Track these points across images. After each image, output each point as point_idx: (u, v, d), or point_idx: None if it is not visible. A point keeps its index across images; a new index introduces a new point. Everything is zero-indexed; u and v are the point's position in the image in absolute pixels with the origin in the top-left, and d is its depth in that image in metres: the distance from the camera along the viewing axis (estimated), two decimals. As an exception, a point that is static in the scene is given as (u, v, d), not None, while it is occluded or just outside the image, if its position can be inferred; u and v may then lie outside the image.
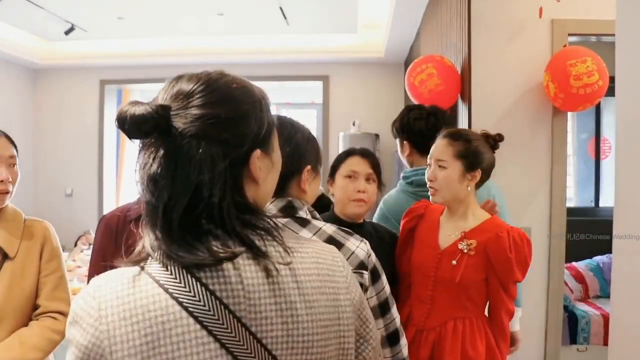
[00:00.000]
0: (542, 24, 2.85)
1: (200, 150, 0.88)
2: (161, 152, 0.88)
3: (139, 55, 6.64)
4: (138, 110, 0.86)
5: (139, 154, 0.92)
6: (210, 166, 0.88)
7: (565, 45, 2.83)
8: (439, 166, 2.00)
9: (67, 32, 5.70)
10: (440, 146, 2.02)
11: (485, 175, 2.02)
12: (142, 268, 0.90)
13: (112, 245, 2.17)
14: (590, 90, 2.60)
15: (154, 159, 0.89)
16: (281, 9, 5.20)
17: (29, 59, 6.66)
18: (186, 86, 0.94)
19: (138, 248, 0.93)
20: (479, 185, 2.03)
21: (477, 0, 2.89)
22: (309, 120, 7.65)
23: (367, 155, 2.11)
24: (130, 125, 0.86)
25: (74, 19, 5.57)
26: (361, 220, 2.11)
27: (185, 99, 0.92)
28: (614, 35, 2.71)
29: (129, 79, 7.03)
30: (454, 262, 1.92)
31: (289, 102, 7.64)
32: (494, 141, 2.06)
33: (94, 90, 7.02)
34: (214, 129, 0.90)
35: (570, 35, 2.88)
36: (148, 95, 6.93)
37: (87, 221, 6.60)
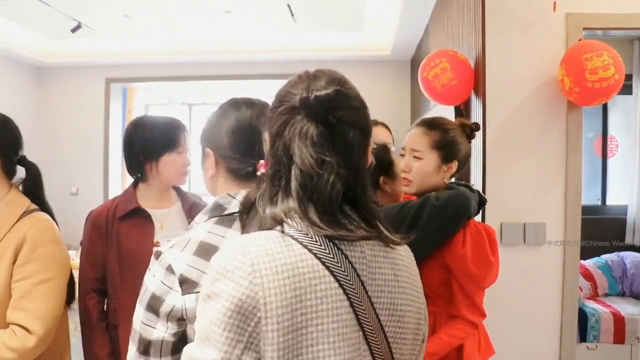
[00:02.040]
0: (557, 17, 2.84)
1: (351, 135, 1.03)
2: (323, 130, 1.01)
3: (145, 53, 6.62)
4: (323, 92, 1.01)
5: (284, 129, 1.03)
6: (358, 149, 1.05)
7: (580, 39, 2.82)
8: (414, 157, 1.93)
9: (73, 30, 5.68)
10: (415, 135, 1.95)
11: (461, 167, 1.97)
12: (282, 232, 1.00)
13: (101, 242, 2.17)
14: (607, 85, 2.58)
15: (317, 133, 1.01)
16: (289, 6, 5.19)
17: (34, 57, 6.64)
18: (327, 82, 1.05)
19: (267, 213, 1.03)
20: (458, 172, 1.98)
21: (492, -5, 2.89)
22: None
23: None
24: (317, 103, 1.01)
25: (81, 16, 5.55)
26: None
27: (342, 93, 1.04)
28: (630, 29, 2.71)
29: (134, 77, 7.01)
30: None
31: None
32: (470, 130, 1.99)
33: (100, 88, 6.99)
34: (357, 119, 1.05)
35: (585, 29, 2.87)
36: (154, 94, 6.91)
37: (93, 220, 6.55)
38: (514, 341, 2.87)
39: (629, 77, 4.61)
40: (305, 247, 0.98)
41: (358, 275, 1.00)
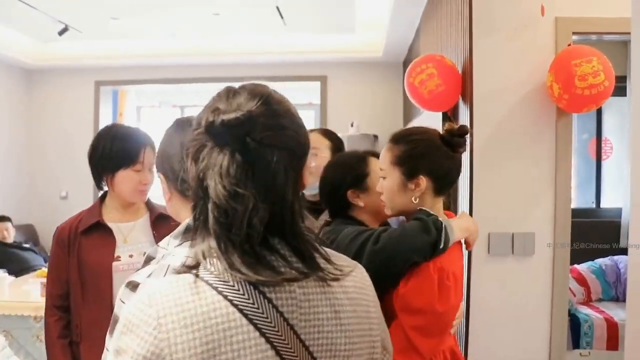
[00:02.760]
0: (546, 21, 2.77)
1: (275, 159, 0.92)
2: (238, 158, 0.90)
3: (134, 56, 6.57)
4: (230, 115, 0.89)
5: (199, 157, 0.93)
6: (284, 174, 0.93)
7: (569, 44, 2.76)
8: (381, 176, 1.75)
9: (60, 33, 5.62)
10: (382, 153, 1.77)
11: (440, 181, 1.71)
12: (197, 275, 0.90)
13: (64, 258, 2.12)
14: (596, 91, 2.52)
15: (230, 163, 0.90)
16: (278, 8, 5.13)
17: (22, 60, 6.58)
18: (248, 98, 0.95)
19: (185, 254, 0.96)
20: (441, 193, 1.73)
21: (479, -2, 2.82)
22: (307, 121, 7.57)
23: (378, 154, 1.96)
24: (224, 129, 0.89)
25: (68, 19, 5.49)
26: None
27: (255, 115, 0.92)
28: (619, 33, 2.66)
29: (124, 80, 6.96)
30: None
31: (286, 102, 7.57)
32: (451, 136, 1.70)
33: (89, 91, 6.95)
34: (283, 139, 0.94)
35: (574, 33, 2.80)
36: (145, 96, 6.89)
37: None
38: (504, 352, 2.82)
39: (622, 79, 4.56)
40: (220, 293, 0.88)
41: (285, 320, 0.90)
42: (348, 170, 1.93)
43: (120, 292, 1.20)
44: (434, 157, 1.69)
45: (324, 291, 0.96)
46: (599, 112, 5.44)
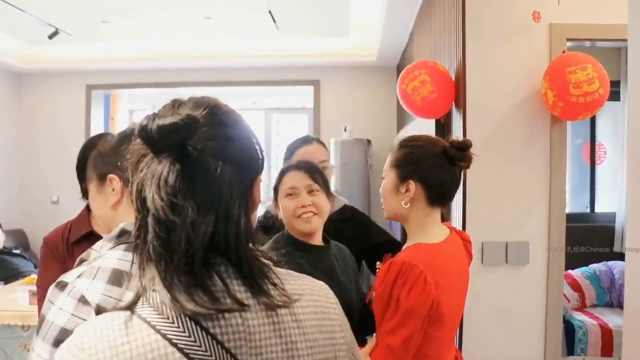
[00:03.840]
0: (540, 28, 2.74)
1: (218, 171, 0.85)
2: (177, 167, 0.83)
3: (126, 59, 6.53)
4: (166, 120, 0.81)
5: (138, 168, 0.87)
6: (228, 187, 0.86)
7: (564, 51, 2.73)
8: (382, 177, 1.81)
9: (50, 36, 5.57)
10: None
11: (432, 190, 1.71)
12: (133, 312, 0.84)
13: (58, 267, 2.07)
14: (591, 99, 2.49)
15: (168, 172, 0.83)
16: (270, 12, 5.10)
17: (13, 63, 6.52)
18: (192, 108, 0.89)
19: (118, 257, 0.94)
20: (436, 203, 1.73)
21: (472, 4, 2.78)
22: (300, 125, 7.55)
23: (302, 167, 2.01)
24: (159, 134, 0.81)
25: (58, 22, 5.44)
26: (321, 242, 2.00)
27: (196, 120, 0.85)
28: (614, 40, 2.64)
29: (115, 84, 6.91)
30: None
31: (279, 107, 7.54)
32: (455, 150, 1.71)
33: (80, 95, 6.89)
34: (230, 150, 0.88)
35: (569, 40, 2.78)
36: (137, 100, 6.84)
37: (73, 230, 6.46)
38: (498, 359, 2.79)
39: (616, 84, 4.55)
40: (159, 332, 0.81)
41: (233, 356, 0.83)
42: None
43: (49, 293, 1.17)
44: (426, 165, 1.70)
45: (273, 321, 0.88)
46: (593, 117, 5.43)
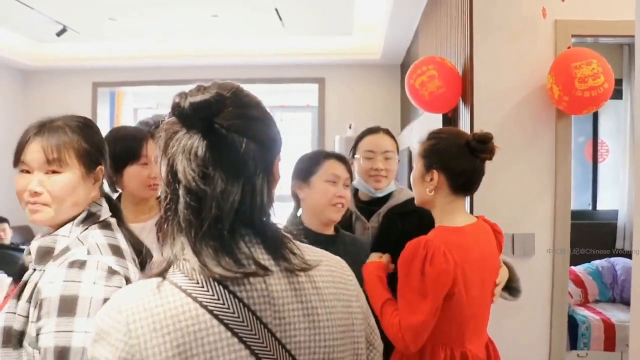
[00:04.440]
0: (546, 24, 2.79)
1: (244, 146, 0.91)
2: (206, 141, 0.89)
3: (132, 57, 6.56)
4: (198, 97, 0.88)
5: (169, 145, 0.92)
6: (253, 163, 0.92)
7: (569, 47, 2.78)
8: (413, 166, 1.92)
9: (58, 34, 5.61)
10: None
11: (455, 180, 1.81)
12: (164, 277, 0.89)
13: None
14: (596, 93, 2.54)
15: (198, 146, 0.89)
16: (277, 10, 5.13)
17: (20, 61, 6.55)
18: (218, 91, 0.93)
19: (157, 258, 0.95)
20: (458, 192, 1.83)
21: (480, 1, 2.83)
22: (305, 123, 7.58)
23: (344, 160, 2.09)
24: (191, 110, 0.88)
25: (66, 20, 5.48)
26: (332, 232, 2.07)
27: (225, 97, 0.93)
28: (618, 36, 2.68)
29: (122, 82, 6.94)
30: None
31: (283, 105, 7.57)
32: (476, 142, 1.80)
33: (87, 92, 6.92)
34: (254, 129, 0.94)
35: (573, 36, 2.82)
36: (142, 98, 6.87)
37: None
38: (503, 353, 2.81)
39: (619, 82, 4.58)
40: (189, 295, 0.87)
41: (258, 319, 0.88)
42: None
43: (64, 274, 1.22)
44: (449, 155, 1.81)
45: (294, 287, 0.93)
46: (595, 115, 5.47)
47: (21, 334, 1.24)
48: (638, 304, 1.68)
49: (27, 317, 1.24)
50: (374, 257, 2.01)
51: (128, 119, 7.39)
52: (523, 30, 2.81)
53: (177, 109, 0.89)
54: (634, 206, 1.64)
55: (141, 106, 7.74)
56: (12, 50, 6.37)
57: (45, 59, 6.68)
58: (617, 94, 4.65)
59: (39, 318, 1.19)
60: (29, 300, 1.25)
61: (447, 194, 1.83)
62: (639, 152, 1.72)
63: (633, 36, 1.76)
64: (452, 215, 1.83)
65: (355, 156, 2.38)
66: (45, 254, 1.31)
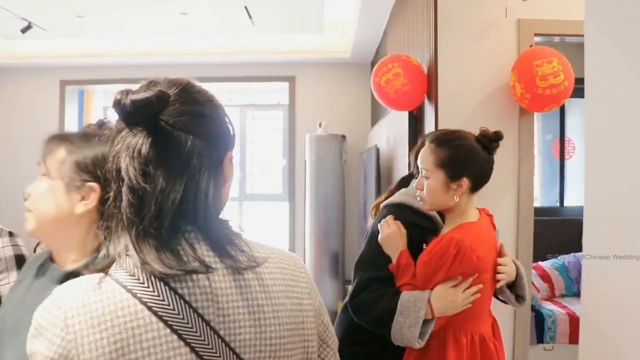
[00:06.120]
0: (509, 23, 2.84)
1: (189, 144, 0.91)
2: (149, 139, 0.89)
3: (101, 55, 6.45)
4: (140, 95, 0.88)
5: (116, 142, 0.92)
6: (198, 160, 0.91)
7: (531, 45, 2.82)
8: (424, 175, 1.89)
9: (23, 31, 5.50)
10: (424, 153, 1.90)
11: (477, 181, 1.87)
12: (107, 274, 0.89)
13: None
14: (557, 91, 2.59)
15: (142, 144, 0.89)
16: (246, 8, 5.11)
17: (-16, 58, 6.41)
18: (166, 87, 0.95)
19: (102, 254, 0.95)
20: (476, 190, 1.89)
21: (444, 0, 2.86)
22: (276, 122, 7.56)
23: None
24: (132, 109, 0.88)
25: (32, 17, 5.38)
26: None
27: (167, 95, 0.92)
28: (580, 35, 2.73)
29: (90, 80, 6.83)
30: None
31: (254, 103, 7.54)
32: (488, 141, 1.87)
33: (54, 91, 6.79)
34: (201, 126, 0.93)
35: (536, 35, 2.87)
36: (111, 96, 6.81)
37: (47, 227, 6.38)
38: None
39: (583, 81, 4.65)
40: (130, 291, 0.86)
41: (200, 316, 0.88)
42: None
43: None
44: (475, 161, 1.85)
45: (240, 285, 0.93)
46: (562, 113, 5.56)
47: None
48: (588, 308, 1.73)
49: None
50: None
51: (97, 118, 7.27)
52: (487, 29, 2.85)
53: (117, 106, 0.89)
54: (584, 212, 1.71)
55: (111, 105, 7.64)
56: (-25, 47, 6.24)
57: (10, 56, 6.53)
58: (582, 93, 4.73)
59: None
60: None
61: (467, 194, 1.87)
62: (589, 156, 1.77)
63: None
64: (468, 212, 1.90)
65: None
66: None
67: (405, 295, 1.81)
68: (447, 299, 1.78)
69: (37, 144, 5.52)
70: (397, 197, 2.06)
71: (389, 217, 1.95)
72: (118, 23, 5.74)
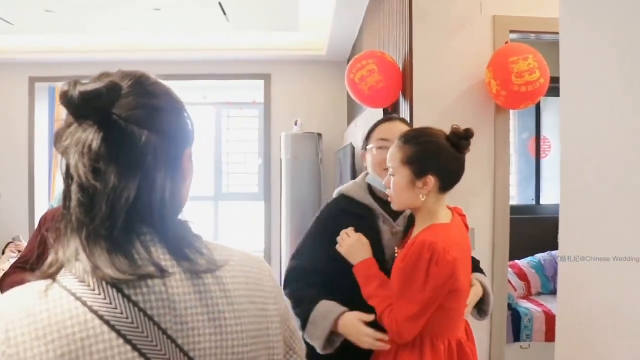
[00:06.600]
0: (484, 20, 2.81)
1: (143, 139, 0.85)
2: (100, 134, 0.83)
3: (71, 51, 6.32)
4: (89, 86, 0.81)
5: (64, 137, 0.85)
6: (153, 155, 0.86)
7: (506, 42, 2.80)
8: (391, 173, 1.85)
9: (-11, 25, 5.36)
10: (391, 150, 1.86)
11: (446, 180, 1.80)
12: (54, 280, 0.82)
13: (35, 240, 2.05)
14: (532, 88, 2.57)
15: (92, 139, 0.82)
16: (220, 4, 5.04)
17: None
18: (118, 79, 0.88)
19: (50, 259, 0.85)
20: (445, 190, 1.82)
21: (419, -5, 2.83)
22: (251, 120, 7.50)
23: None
24: (81, 101, 0.81)
25: (-2, 11, 5.25)
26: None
27: (118, 87, 0.86)
28: (555, 33, 2.72)
29: (60, 76, 6.66)
30: None
31: (229, 101, 7.46)
32: (457, 139, 1.80)
33: (23, 88, 6.63)
34: (157, 120, 0.88)
35: (511, 32, 2.85)
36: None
37: (16, 227, 6.24)
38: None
39: (558, 80, 4.66)
40: (79, 299, 0.79)
41: (156, 324, 0.81)
42: None
43: None
44: (442, 158, 1.79)
45: (199, 290, 0.87)
46: (538, 112, 5.58)
47: None
48: (564, 308, 1.72)
49: None
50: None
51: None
52: (462, 25, 2.82)
53: (65, 98, 0.82)
54: (559, 213, 1.69)
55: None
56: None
57: (-25, 51, 6.38)
58: (558, 91, 4.74)
59: None
60: None
61: (436, 194, 1.81)
62: (565, 157, 1.75)
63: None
64: (439, 212, 1.83)
65: (368, 147, 2.12)
66: None
67: (321, 306, 1.86)
68: (354, 329, 1.81)
69: (7, 142, 5.44)
70: (338, 188, 2.13)
71: (350, 229, 1.94)
72: (89, 18, 5.62)
